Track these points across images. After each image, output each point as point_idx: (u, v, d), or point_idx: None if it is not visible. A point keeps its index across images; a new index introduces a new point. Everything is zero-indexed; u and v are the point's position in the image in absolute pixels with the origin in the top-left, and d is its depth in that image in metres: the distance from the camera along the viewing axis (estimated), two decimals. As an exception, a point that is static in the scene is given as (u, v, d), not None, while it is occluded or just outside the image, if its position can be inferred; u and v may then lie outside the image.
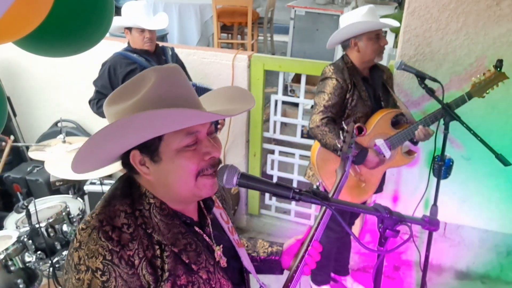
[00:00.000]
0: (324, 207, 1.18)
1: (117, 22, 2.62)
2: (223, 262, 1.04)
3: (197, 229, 1.01)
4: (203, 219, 1.05)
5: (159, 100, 0.87)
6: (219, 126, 2.83)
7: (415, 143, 2.37)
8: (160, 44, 2.84)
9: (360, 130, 1.71)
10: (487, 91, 2.16)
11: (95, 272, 0.84)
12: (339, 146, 1.68)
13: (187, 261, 0.93)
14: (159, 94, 0.87)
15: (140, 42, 2.62)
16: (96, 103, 2.65)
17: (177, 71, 0.91)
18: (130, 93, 0.90)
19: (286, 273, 1.22)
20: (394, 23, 2.31)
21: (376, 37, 2.21)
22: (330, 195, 1.32)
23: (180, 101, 0.89)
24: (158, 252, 0.90)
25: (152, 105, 0.86)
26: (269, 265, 1.25)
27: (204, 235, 1.02)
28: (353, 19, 2.21)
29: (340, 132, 1.76)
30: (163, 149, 0.89)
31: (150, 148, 0.89)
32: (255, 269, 1.24)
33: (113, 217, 0.89)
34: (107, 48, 3.16)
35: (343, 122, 1.77)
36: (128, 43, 2.71)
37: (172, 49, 2.83)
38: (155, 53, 2.72)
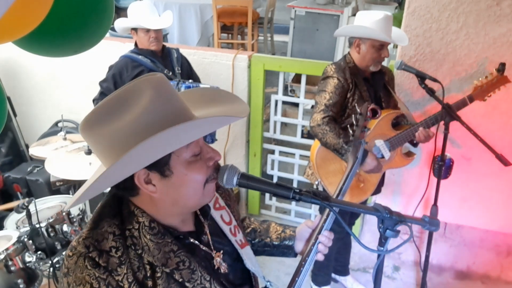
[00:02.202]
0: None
1: (122, 23, 2.63)
2: (224, 268, 1.02)
3: (192, 240, 0.98)
4: (200, 228, 1.03)
5: (163, 115, 0.83)
6: None
7: (415, 144, 2.36)
8: (168, 43, 2.84)
9: (375, 113, 1.56)
10: (489, 94, 2.15)
11: None
12: (342, 143, 1.61)
13: (180, 280, 0.91)
14: (161, 110, 0.83)
15: (146, 42, 2.63)
16: None
17: (167, 81, 0.88)
18: (122, 110, 0.82)
19: (298, 257, 1.23)
20: (402, 41, 2.28)
21: (380, 47, 2.18)
22: (342, 181, 1.31)
23: (181, 113, 0.86)
24: (149, 273, 0.88)
25: (158, 122, 0.82)
26: (281, 250, 1.25)
27: (201, 245, 1.00)
28: (366, 20, 2.18)
29: (353, 116, 1.65)
30: (173, 162, 0.86)
31: (160, 163, 0.85)
32: (268, 253, 1.26)
33: (101, 240, 0.87)
34: (108, 48, 3.17)
35: (356, 105, 1.63)
36: (135, 44, 2.72)
37: (177, 50, 2.84)
38: (162, 55, 2.72)
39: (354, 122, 1.61)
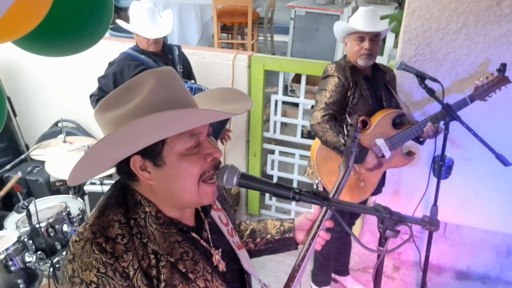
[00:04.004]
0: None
1: (122, 25, 2.63)
2: (222, 266, 1.03)
3: (194, 235, 1.00)
4: (200, 224, 1.04)
5: (160, 103, 0.85)
6: (227, 137, 2.92)
7: (421, 142, 2.36)
8: (168, 42, 2.84)
9: (365, 124, 1.65)
10: (490, 95, 2.15)
11: (89, 285, 0.82)
12: (342, 141, 1.65)
13: (183, 270, 0.92)
14: (159, 98, 0.85)
15: (145, 44, 2.63)
16: (96, 100, 2.66)
17: (174, 74, 0.90)
18: (127, 98, 0.87)
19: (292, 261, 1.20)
20: (381, 26, 2.25)
21: (359, 39, 2.22)
22: (333, 190, 1.30)
23: (180, 104, 0.87)
24: (153, 262, 0.89)
25: (153, 109, 0.84)
26: (283, 243, 1.24)
27: (201, 240, 1.01)
28: (351, 18, 2.26)
29: (344, 126, 1.72)
30: (166, 153, 0.88)
31: (153, 153, 0.87)
32: (271, 250, 1.26)
33: (107, 227, 0.88)
34: (108, 48, 3.17)
35: (347, 116, 1.72)
36: (136, 42, 2.72)
37: (179, 47, 2.83)
38: (162, 53, 2.72)
39: (346, 133, 1.66)
